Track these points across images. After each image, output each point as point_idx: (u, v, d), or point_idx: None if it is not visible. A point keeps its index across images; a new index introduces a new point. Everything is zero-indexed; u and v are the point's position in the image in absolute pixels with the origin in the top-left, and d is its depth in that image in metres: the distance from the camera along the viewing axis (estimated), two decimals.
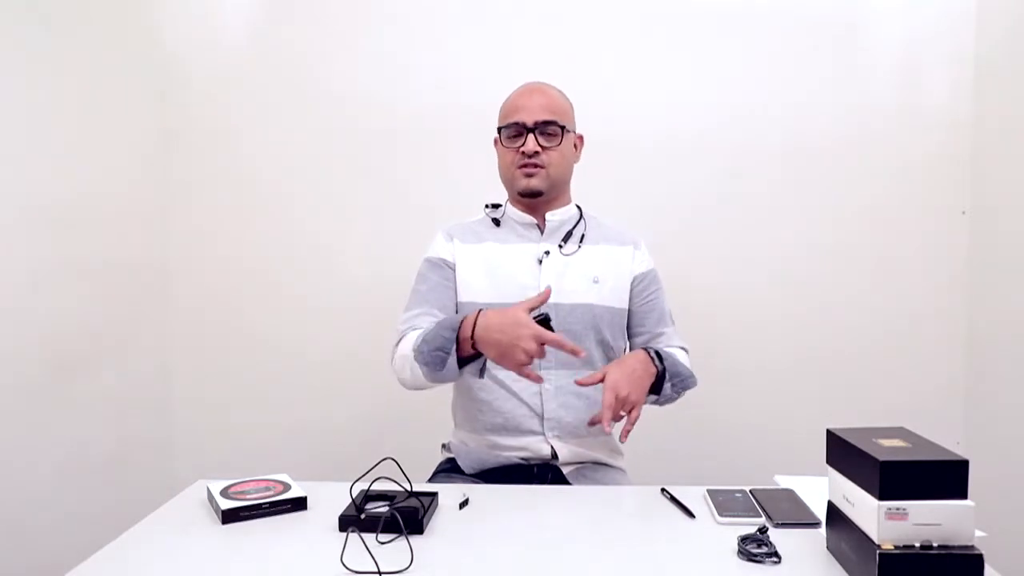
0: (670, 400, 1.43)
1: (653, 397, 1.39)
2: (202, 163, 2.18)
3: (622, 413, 1.29)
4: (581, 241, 1.52)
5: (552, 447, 1.43)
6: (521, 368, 1.23)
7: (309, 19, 2.14)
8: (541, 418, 1.44)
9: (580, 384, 1.31)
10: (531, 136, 1.45)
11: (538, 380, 1.28)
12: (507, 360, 1.23)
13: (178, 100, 2.16)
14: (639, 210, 2.01)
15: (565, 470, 1.45)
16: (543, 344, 1.22)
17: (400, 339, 1.44)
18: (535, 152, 1.44)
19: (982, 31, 2.01)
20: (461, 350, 1.29)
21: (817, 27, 2.07)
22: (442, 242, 1.54)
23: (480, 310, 1.30)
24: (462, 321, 1.29)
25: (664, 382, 1.37)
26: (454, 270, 1.51)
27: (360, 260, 2.17)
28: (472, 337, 1.26)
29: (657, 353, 1.39)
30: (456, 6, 2.11)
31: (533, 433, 1.44)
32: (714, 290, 2.09)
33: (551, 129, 1.45)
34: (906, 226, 2.08)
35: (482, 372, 1.35)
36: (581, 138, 1.56)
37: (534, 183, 1.46)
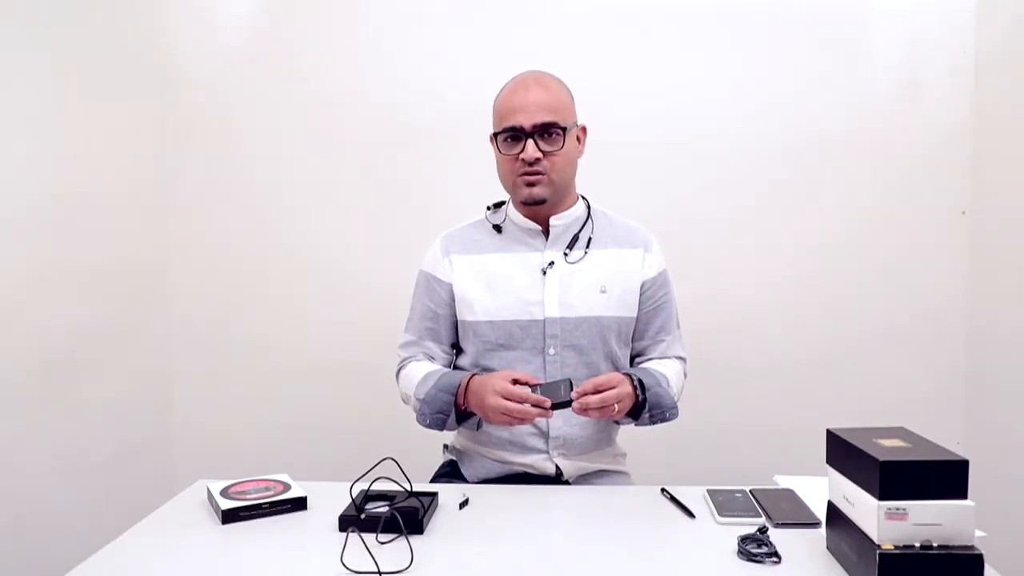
0: (646, 425, 1.38)
1: (629, 419, 1.38)
2: (202, 163, 2.18)
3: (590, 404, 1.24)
4: (588, 246, 1.44)
5: (557, 465, 1.40)
6: (515, 423, 1.27)
7: (309, 19, 2.13)
8: (546, 437, 1.40)
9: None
10: (530, 142, 1.34)
11: (543, 415, 1.25)
12: (494, 421, 1.29)
13: (178, 100, 2.16)
14: (637, 211, 2.00)
15: (570, 482, 1.42)
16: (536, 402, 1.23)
17: (400, 368, 1.51)
18: (536, 159, 1.34)
19: (982, 32, 2.01)
20: (457, 407, 1.36)
21: (818, 29, 2.06)
22: (437, 256, 1.48)
23: (473, 374, 1.36)
24: (458, 386, 1.35)
25: (643, 411, 1.34)
26: (449, 289, 1.46)
27: (360, 259, 2.17)
28: (465, 400, 1.35)
29: (641, 382, 1.33)
30: (457, 6, 2.11)
31: (538, 451, 1.40)
32: (714, 289, 2.09)
33: (552, 131, 1.35)
34: (906, 226, 2.08)
35: (479, 425, 1.41)
36: (584, 129, 1.45)
37: (537, 192, 1.37)
